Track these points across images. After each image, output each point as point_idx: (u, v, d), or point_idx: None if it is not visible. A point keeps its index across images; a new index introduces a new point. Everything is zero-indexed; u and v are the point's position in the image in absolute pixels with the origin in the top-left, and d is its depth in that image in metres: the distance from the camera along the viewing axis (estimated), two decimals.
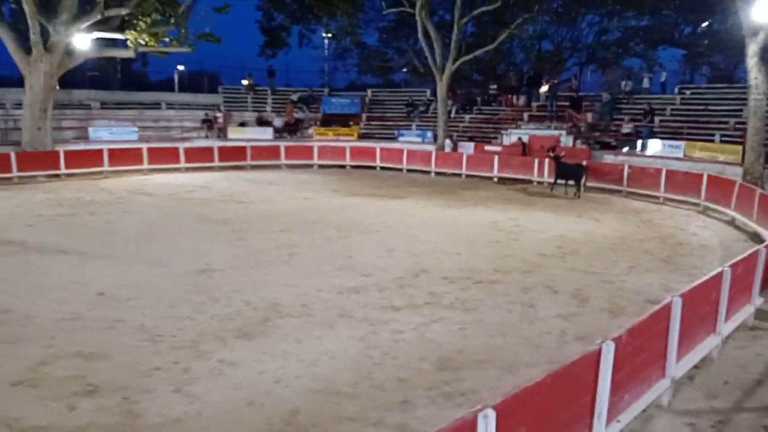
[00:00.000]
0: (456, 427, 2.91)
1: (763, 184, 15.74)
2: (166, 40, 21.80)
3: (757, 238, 11.70)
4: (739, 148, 17.73)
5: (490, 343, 6.55)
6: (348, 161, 24.97)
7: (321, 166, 24.75)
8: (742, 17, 16.01)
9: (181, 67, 36.14)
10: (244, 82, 32.33)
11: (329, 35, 30.98)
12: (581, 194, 17.49)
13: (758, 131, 16.25)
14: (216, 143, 25.20)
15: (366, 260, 9.89)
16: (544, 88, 26.35)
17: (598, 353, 3.94)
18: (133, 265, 9.36)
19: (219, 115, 28.06)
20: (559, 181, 18.18)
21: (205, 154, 23.39)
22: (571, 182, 17.93)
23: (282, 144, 25.74)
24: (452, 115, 27.94)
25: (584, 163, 18.59)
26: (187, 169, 22.19)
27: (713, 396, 5.33)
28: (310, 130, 29.13)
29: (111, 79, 33.50)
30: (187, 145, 24.46)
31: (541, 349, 6.41)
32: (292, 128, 29.30)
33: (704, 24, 30.50)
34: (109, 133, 24.43)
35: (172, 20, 21.21)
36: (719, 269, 5.95)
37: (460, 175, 22.16)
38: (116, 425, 4.71)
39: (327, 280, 8.68)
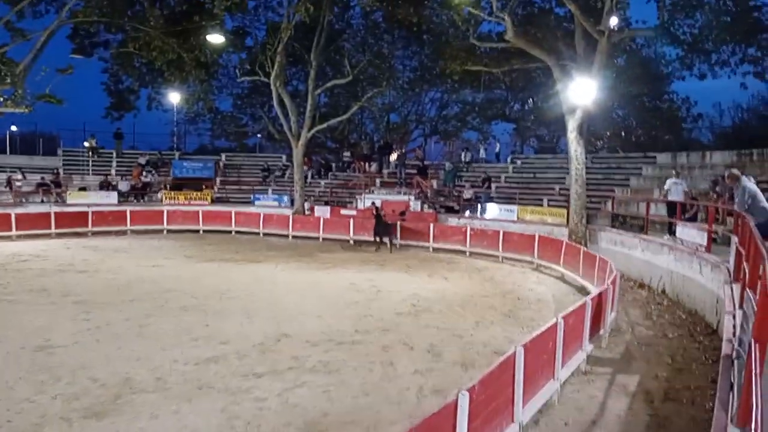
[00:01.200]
0: None
1: (587, 242, 17.83)
2: (1, 100, 20.07)
3: (583, 290, 13.15)
4: (564, 211, 20.00)
5: (354, 403, 6.68)
6: (201, 226, 24.24)
7: (172, 231, 23.73)
8: (562, 98, 18.45)
9: (14, 128, 33.20)
10: (87, 144, 30.42)
11: (181, 99, 30.37)
12: (393, 250, 19.93)
13: (579, 196, 18.52)
14: (53, 208, 23.23)
15: (225, 328, 9.63)
16: (394, 157, 27.97)
17: (455, 404, 4.25)
18: None
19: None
20: (377, 238, 20.44)
21: (40, 220, 21.45)
22: (386, 239, 20.33)
23: (128, 209, 24.40)
24: (308, 180, 28.45)
25: (397, 222, 21.25)
26: (20, 237, 20.16)
27: None
28: (160, 194, 27.97)
29: None
30: (20, 210, 22.28)
31: (402, 405, 6.66)
32: (139, 192, 27.95)
33: (531, 101, 34.48)
34: None
35: (8, 80, 19.65)
36: (554, 320, 6.69)
37: (317, 238, 22.45)
38: None
39: (183, 351, 8.31)
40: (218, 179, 30.55)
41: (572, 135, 18.30)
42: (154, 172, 29.58)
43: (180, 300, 11.70)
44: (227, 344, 8.72)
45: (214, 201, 27.82)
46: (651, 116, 31.26)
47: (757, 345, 3.36)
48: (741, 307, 6.25)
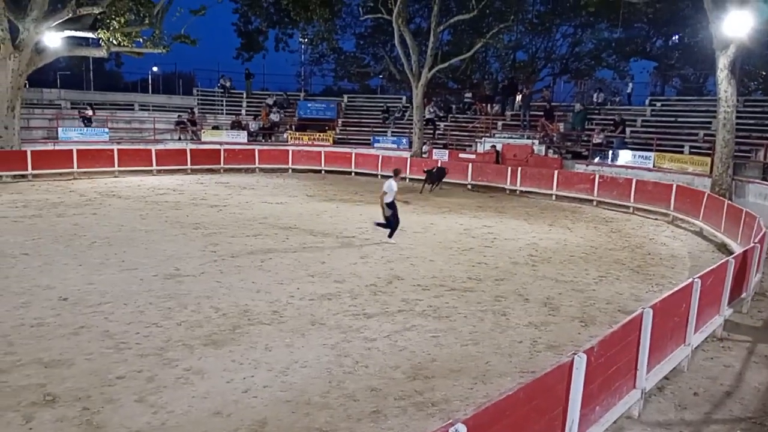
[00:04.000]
0: None
1: (731, 195, 16.09)
2: (140, 40, 21.44)
3: (724, 248, 11.93)
4: (708, 159, 18.11)
5: (463, 351, 6.52)
6: (323, 166, 24.87)
7: (296, 171, 24.60)
8: (713, 31, 16.38)
9: (155, 69, 35.59)
10: (220, 83, 31.97)
11: (306, 40, 30.81)
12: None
13: (727, 143, 16.62)
14: (189, 146, 24.87)
15: (340, 266, 9.81)
16: (518, 98, 26.62)
17: (571, 365, 3.92)
18: (100, 269, 9.13)
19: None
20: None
21: (177, 156, 23.06)
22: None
23: (257, 147, 25.54)
24: (438, 124, 27.98)
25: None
26: (159, 172, 21.84)
27: (683, 407, 5.37)
28: (285, 135, 28.94)
29: (83, 78, 32.83)
30: (160, 147, 24.08)
31: (513, 358, 6.40)
32: (267, 132, 29.08)
33: (675, 37, 31.16)
34: (79, 133, 23.88)
35: (147, 20, 20.88)
36: (689, 280, 6.02)
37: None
38: None
39: (300, 287, 8.57)
40: (340, 120, 30.98)
41: (723, 74, 16.28)
42: (281, 112, 30.55)
43: (300, 237, 12.09)
44: (341, 283, 8.87)
45: (335, 142, 28.33)
46: None
47: None
48: None
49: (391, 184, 11.46)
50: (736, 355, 6.72)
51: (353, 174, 24.22)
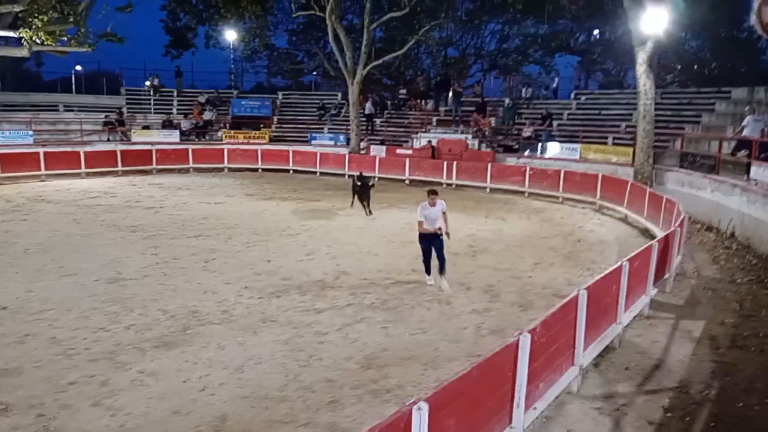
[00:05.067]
0: (391, 423, 3.06)
1: (652, 183, 17.15)
2: (65, 39, 20.54)
3: (647, 233, 12.75)
4: (630, 149, 19.19)
5: (413, 340, 6.79)
6: (260, 165, 24.64)
7: (232, 170, 24.26)
8: (631, 27, 17.35)
9: (78, 67, 34.08)
10: (148, 83, 31.02)
11: (237, 37, 30.33)
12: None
13: (647, 134, 17.67)
14: (119, 147, 24.06)
15: (286, 264, 9.90)
16: (451, 94, 27.23)
17: (517, 344, 4.24)
18: (38, 276, 8.85)
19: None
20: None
21: (107, 158, 22.29)
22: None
23: (190, 147, 25.01)
24: (374, 118, 28.17)
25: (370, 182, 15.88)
26: (89, 174, 21.06)
27: (617, 381, 5.83)
28: (220, 133, 28.45)
29: (2, 79, 31.10)
30: (88, 149, 23.18)
31: (460, 343, 6.73)
32: (200, 131, 28.50)
33: (597, 32, 32.66)
34: (0, 136, 22.66)
35: (71, 18, 20.01)
36: (618, 263, 6.51)
37: (374, 177, 22.45)
38: None
39: (248, 286, 8.62)
40: (275, 118, 30.72)
41: (641, 68, 17.29)
42: (214, 110, 29.99)
43: (242, 236, 12.05)
44: (289, 280, 8.96)
45: (271, 140, 28.10)
46: (727, 47, 29.10)
47: None
48: None
49: (423, 209, 8.64)
50: (662, 331, 7.30)
51: (291, 172, 24.14)
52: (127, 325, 6.96)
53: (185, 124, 28.23)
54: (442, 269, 8.67)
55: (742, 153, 14.88)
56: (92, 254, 10.27)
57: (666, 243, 8.29)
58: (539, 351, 4.57)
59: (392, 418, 3.10)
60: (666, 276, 8.69)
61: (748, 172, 13.72)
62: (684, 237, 10.28)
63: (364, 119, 27.31)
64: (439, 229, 8.55)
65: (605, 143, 21.76)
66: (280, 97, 32.77)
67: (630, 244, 11.82)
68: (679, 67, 30.77)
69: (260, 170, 24.37)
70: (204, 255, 10.38)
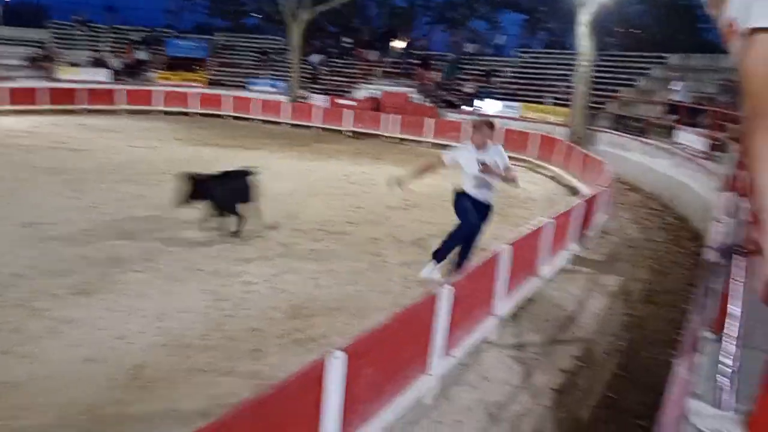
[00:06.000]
0: (307, 371, 3.07)
1: (586, 143, 17.62)
2: None
3: (576, 191, 13.15)
4: (568, 110, 19.58)
5: (342, 291, 6.81)
6: (195, 109, 23.77)
7: (165, 113, 23.30)
8: None
9: None
10: (75, 18, 29.06)
11: None
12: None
13: (583, 95, 18.07)
14: (45, 84, 22.61)
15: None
16: (399, 44, 26.87)
17: (438, 296, 4.31)
18: None
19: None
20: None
21: (30, 95, 20.94)
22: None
23: (121, 87, 23.81)
24: (316, 66, 27.49)
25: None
26: (11, 112, 19.74)
27: (533, 331, 6.06)
28: (153, 74, 27.16)
29: None
30: (11, 84, 21.67)
31: (388, 294, 6.80)
32: (132, 71, 27.11)
33: None
34: None
35: None
36: (542, 222, 6.68)
37: (313, 127, 22.10)
38: None
39: (174, 233, 8.38)
40: (213, 60, 29.54)
41: (583, 30, 17.52)
42: (147, 50, 28.51)
43: (171, 183, 11.63)
44: (219, 229, 8.76)
45: (208, 83, 27.08)
46: (666, 12, 29.84)
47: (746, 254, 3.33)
48: (732, 216, 6.22)
49: (461, 153, 6.32)
50: (581, 285, 7.60)
51: (227, 118, 23.42)
52: (43, 270, 6.66)
53: (116, 63, 26.77)
54: (464, 262, 6.40)
55: (671, 117, 15.45)
56: (9, 197, 9.71)
57: (591, 202, 8.57)
58: (460, 302, 4.67)
59: (307, 367, 3.10)
60: (590, 233, 9.01)
61: (671, 135, 14.29)
62: (610, 197, 10.66)
63: (309, 67, 26.63)
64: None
65: (544, 103, 22.09)
66: (219, 38, 31.44)
67: (558, 201, 12.17)
68: (620, 31, 31.39)
69: (195, 115, 23.52)
70: (130, 201, 10.00)
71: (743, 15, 1.37)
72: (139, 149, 15.21)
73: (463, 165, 6.32)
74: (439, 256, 6.59)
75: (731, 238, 4.23)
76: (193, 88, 25.62)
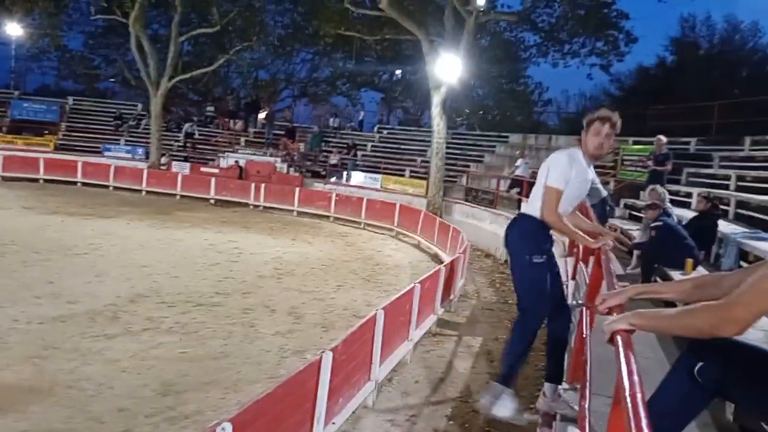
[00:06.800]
0: None
1: (442, 213, 18.88)
2: None
3: (437, 258, 13.99)
4: (424, 182, 20.94)
5: (214, 364, 6.67)
6: (42, 175, 22.10)
7: (7, 179, 21.39)
8: (428, 72, 19.12)
9: None
10: None
11: (23, 33, 26.96)
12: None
13: (439, 169, 19.49)
14: None
15: (72, 286, 9.04)
16: (262, 116, 27.30)
17: (319, 362, 4.47)
18: None
19: None
20: None
21: None
22: None
23: None
24: (188, 134, 26.84)
25: None
26: None
27: (408, 394, 6.35)
28: None
29: None
30: None
31: (263, 366, 6.78)
32: None
33: (399, 73, 35.22)
34: None
35: None
36: (411, 285, 7.14)
37: (175, 195, 21.46)
38: None
39: (25, 310, 7.71)
40: (64, 125, 27.85)
41: (436, 110, 19.13)
42: None
43: (19, 255, 10.72)
44: (75, 304, 8.22)
45: (57, 148, 25.38)
46: (507, 97, 33.39)
47: (588, 311, 3.92)
48: (573, 278, 7.09)
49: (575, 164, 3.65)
50: (447, 347, 8.10)
51: (80, 185, 22.03)
52: None
53: None
54: (559, 371, 3.92)
55: (515, 190, 17.15)
56: None
57: (452, 267, 9.26)
58: (339, 368, 4.85)
59: None
60: (451, 297, 9.65)
61: (519, 207, 15.85)
62: (466, 262, 11.52)
63: (170, 134, 26.02)
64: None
65: (403, 175, 23.44)
66: (71, 102, 29.83)
67: (422, 267, 12.89)
68: (467, 111, 34.50)
69: (42, 181, 21.86)
70: None
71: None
72: None
73: (569, 191, 3.68)
74: (508, 378, 3.89)
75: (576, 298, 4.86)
76: (41, 153, 23.86)
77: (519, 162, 18.12)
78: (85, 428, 4.96)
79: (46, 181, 21.91)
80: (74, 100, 30.27)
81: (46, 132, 26.30)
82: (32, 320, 7.38)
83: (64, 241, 12.34)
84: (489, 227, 16.36)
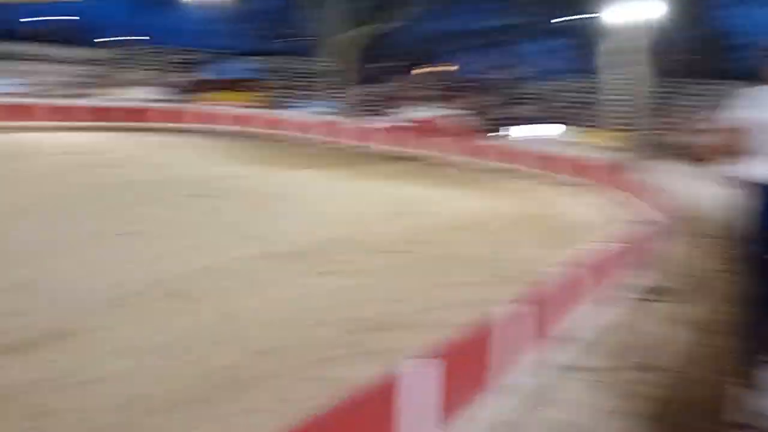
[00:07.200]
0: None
1: (644, 170, 17.17)
2: None
3: (636, 218, 12.91)
4: (623, 136, 19.48)
5: (406, 308, 6.72)
6: (256, 129, 24.25)
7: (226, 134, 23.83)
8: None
9: None
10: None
11: None
12: None
13: (639, 122, 17.91)
14: (115, 103, 23.66)
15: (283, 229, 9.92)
16: (450, 68, 27.19)
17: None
18: None
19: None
20: None
21: (106, 113, 22.18)
22: None
23: (185, 107, 24.66)
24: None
25: None
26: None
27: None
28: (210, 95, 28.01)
29: None
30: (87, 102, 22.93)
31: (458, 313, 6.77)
32: (194, 90, 28.02)
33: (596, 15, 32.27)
34: None
35: None
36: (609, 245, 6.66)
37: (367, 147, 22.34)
38: None
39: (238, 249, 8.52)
40: (267, 82, 30.15)
41: (638, 56, 17.37)
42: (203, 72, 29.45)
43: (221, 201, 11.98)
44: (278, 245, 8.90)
45: (262, 104, 27.63)
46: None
47: None
48: None
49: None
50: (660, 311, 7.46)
51: (283, 137, 23.83)
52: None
53: (180, 83, 27.74)
54: None
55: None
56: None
57: (651, 231, 8.42)
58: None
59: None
60: (652, 261, 8.87)
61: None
62: (671, 225, 10.45)
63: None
64: None
65: (597, 128, 21.88)
66: (272, 60, 31.87)
67: (617, 227, 11.97)
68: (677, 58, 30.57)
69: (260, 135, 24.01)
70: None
71: None
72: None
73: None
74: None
75: None
76: (248, 108, 26.10)
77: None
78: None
79: (256, 135, 23.96)
80: (275, 59, 32.35)
81: (252, 89, 28.74)
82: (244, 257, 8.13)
83: (266, 189, 13.50)
84: (699, 187, 14.71)
